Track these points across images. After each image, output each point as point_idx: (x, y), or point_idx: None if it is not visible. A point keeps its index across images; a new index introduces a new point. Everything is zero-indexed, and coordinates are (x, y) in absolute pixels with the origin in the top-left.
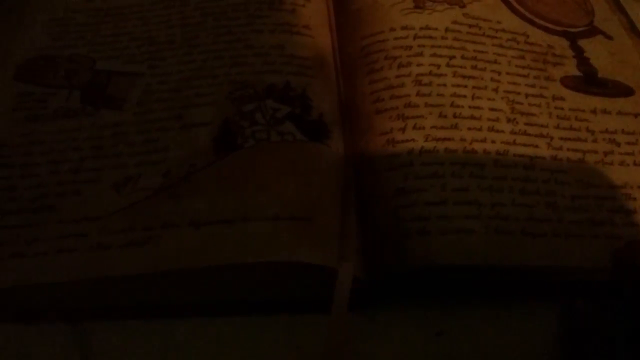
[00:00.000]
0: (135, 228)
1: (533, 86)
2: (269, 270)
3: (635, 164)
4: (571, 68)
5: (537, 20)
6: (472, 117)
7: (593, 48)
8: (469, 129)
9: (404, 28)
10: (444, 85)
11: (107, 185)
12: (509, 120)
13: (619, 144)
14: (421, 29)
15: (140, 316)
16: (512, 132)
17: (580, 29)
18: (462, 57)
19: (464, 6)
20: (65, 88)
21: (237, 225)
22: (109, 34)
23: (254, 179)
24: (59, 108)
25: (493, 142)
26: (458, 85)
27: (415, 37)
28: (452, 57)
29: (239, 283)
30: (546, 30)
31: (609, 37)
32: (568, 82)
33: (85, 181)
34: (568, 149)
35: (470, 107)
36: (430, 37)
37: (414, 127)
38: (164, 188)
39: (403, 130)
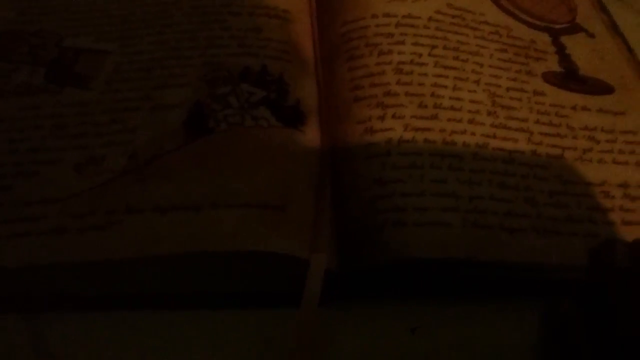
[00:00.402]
0: (96, 212)
1: (514, 80)
2: (239, 261)
3: (614, 161)
4: (553, 64)
5: (520, 14)
6: (453, 108)
7: (575, 45)
8: (449, 120)
9: (386, 15)
10: (425, 74)
11: (69, 166)
12: (489, 113)
13: (598, 142)
14: (403, 17)
15: (100, 307)
16: (492, 125)
17: (563, 25)
18: (444, 48)
19: None
20: (29, 64)
21: (205, 212)
22: (80, 10)
23: (225, 164)
24: (20, 84)
25: (473, 134)
26: (439, 76)
27: (398, 24)
28: (434, 47)
29: (207, 274)
30: (529, 25)
31: (591, 35)
32: (549, 78)
33: (45, 162)
34: (547, 145)
35: (450, 98)
36: (413, 26)
37: (393, 116)
38: (130, 171)
39: (382, 119)
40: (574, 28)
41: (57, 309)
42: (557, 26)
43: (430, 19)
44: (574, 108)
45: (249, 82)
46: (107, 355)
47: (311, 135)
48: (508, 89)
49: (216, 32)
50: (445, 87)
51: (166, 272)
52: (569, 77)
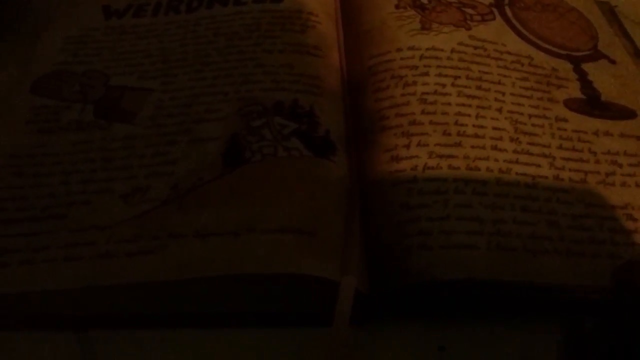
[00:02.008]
0: (142, 237)
1: (536, 107)
2: (273, 283)
3: (636, 185)
4: (574, 91)
5: (541, 43)
6: (476, 136)
7: (596, 72)
8: (473, 147)
9: (411, 48)
10: (449, 104)
11: (116, 195)
12: (512, 140)
13: (620, 165)
14: (427, 49)
15: (146, 325)
16: (515, 151)
17: (584, 53)
18: (467, 78)
19: (470, 28)
20: (79, 102)
21: (242, 237)
22: (125, 51)
23: (260, 192)
24: (72, 121)
25: (496, 160)
26: (462, 105)
27: (422, 57)
28: (457, 77)
29: (243, 295)
30: (550, 53)
31: (613, 62)
32: (571, 104)
33: (95, 191)
34: (570, 169)
35: (474, 125)
36: (436, 58)
37: (418, 145)
38: (172, 199)
39: (407, 147)
40: (596, 55)
41: (106, 326)
42: (579, 54)
43: (453, 50)
44: (596, 133)
45: (281, 115)
46: None
47: (340, 163)
48: (530, 116)
49: (250, 69)
50: (469, 115)
51: (206, 293)
52: (591, 103)
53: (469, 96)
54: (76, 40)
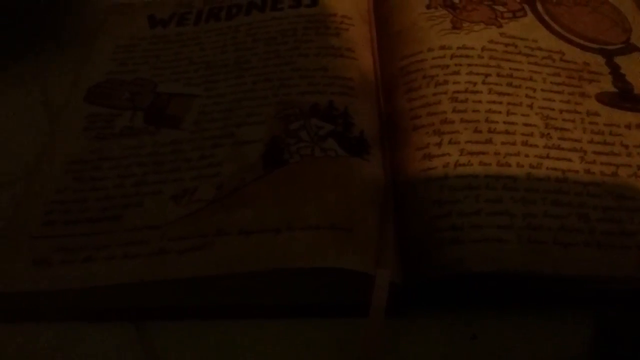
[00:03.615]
0: (191, 235)
1: (567, 102)
2: (312, 276)
3: None
4: (607, 84)
5: (573, 38)
6: (507, 132)
7: (629, 65)
8: (503, 143)
9: (442, 48)
10: (480, 102)
11: (167, 196)
12: (542, 135)
13: None
14: (458, 48)
15: (197, 316)
16: (546, 147)
17: (617, 46)
18: (498, 75)
19: (500, 26)
20: (130, 109)
21: (283, 234)
22: (170, 59)
23: (299, 191)
24: (124, 127)
25: (527, 155)
26: (493, 102)
27: (452, 56)
28: (487, 75)
29: (284, 288)
30: (582, 48)
31: None
32: (603, 98)
33: (148, 193)
34: (601, 163)
35: (504, 122)
36: (467, 56)
37: (450, 142)
38: (218, 199)
39: (439, 145)
40: (629, 48)
41: (161, 318)
42: (611, 47)
43: (483, 48)
44: (628, 127)
45: (317, 117)
46: (205, 356)
47: (374, 162)
48: (561, 111)
49: (287, 73)
50: (499, 112)
51: (251, 286)
52: (623, 97)
53: (499, 93)
54: (124, 49)
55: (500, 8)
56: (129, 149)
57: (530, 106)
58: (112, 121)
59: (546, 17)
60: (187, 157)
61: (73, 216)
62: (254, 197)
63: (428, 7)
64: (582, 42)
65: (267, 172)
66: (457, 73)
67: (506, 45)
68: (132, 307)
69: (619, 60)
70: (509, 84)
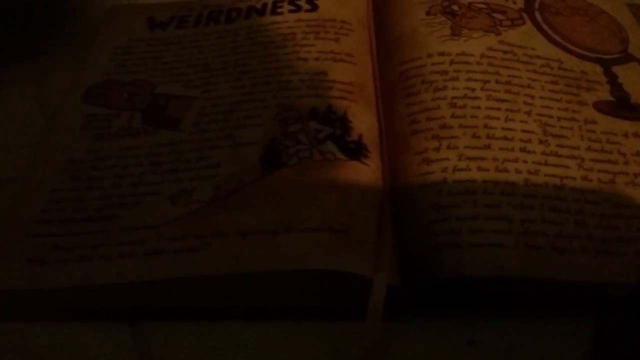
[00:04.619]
0: (188, 236)
1: (565, 110)
2: (310, 279)
3: None
4: (604, 93)
5: (571, 47)
6: (505, 138)
7: (627, 74)
8: (501, 149)
9: (441, 54)
10: (478, 107)
11: (164, 197)
12: (540, 142)
13: None
14: (457, 55)
15: (192, 317)
16: (544, 153)
17: (615, 55)
18: (496, 82)
19: (499, 33)
20: (128, 110)
21: (280, 236)
22: (169, 61)
23: (297, 193)
24: (122, 128)
25: (524, 161)
26: (492, 108)
27: (452, 62)
28: (486, 82)
29: (281, 290)
30: (580, 57)
31: None
32: (601, 107)
33: (145, 193)
34: (599, 170)
35: (503, 128)
36: (466, 63)
37: (448, 147)
38: (215, 200)
39: (437, 150)
40: (626, 58)
41: (156, 318)
42: (609, 57)
43: (482, 55)
44: (625, 135)
45: (316, 120)
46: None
47: (373, 166)
48: (559, 119)
49: (287, 77)
50: (498, 118)
51: (248, 287)
52: (621, 106)
53: (498, 100)
54: (123, 51)
55: (499, 16)
56: (126, 149)
57: (529, 113)
58: (109, 121)
59: (544, 26)
60: (185, 158)
61: (69, 215)
62: (252, 199)
63: (428, 13)
64: (580, 51)
65: (265, 174)
66: (456, 79)
67: (505, 52)
68: (128, 306)
69: (616, 69)
70: (508, 91)
